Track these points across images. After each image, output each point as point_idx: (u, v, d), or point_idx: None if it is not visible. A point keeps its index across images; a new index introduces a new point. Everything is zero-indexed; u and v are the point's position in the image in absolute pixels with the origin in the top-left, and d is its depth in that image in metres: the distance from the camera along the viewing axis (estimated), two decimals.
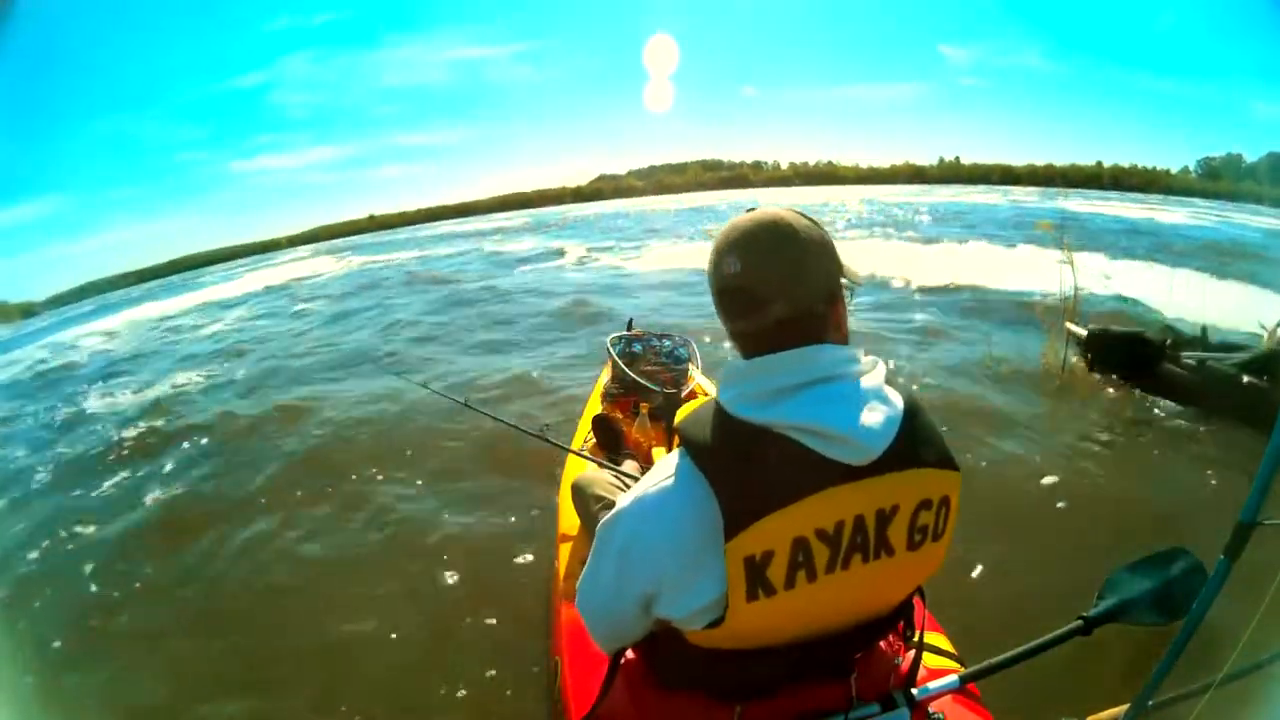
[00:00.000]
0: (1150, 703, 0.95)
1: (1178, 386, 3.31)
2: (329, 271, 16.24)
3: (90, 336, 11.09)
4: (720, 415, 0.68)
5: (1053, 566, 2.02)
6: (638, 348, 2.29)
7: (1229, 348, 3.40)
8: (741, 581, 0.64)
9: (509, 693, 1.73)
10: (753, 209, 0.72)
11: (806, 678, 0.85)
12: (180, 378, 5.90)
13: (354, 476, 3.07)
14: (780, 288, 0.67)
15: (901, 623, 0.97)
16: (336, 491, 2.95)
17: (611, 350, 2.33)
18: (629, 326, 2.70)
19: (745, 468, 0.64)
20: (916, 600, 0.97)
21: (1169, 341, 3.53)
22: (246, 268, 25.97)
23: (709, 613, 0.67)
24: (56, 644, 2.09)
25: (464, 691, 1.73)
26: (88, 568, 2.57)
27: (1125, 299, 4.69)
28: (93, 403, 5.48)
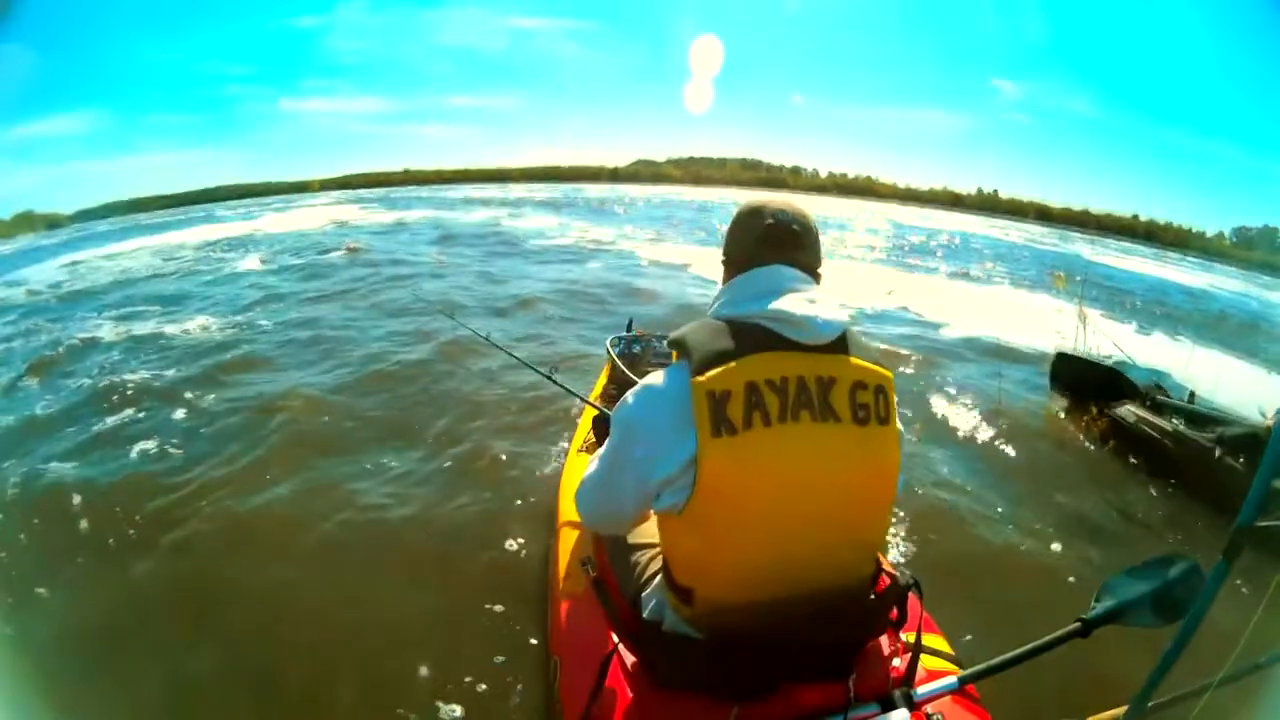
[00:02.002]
0: (1149, 704, 0.95)
1: (1154, 447, 3.26)
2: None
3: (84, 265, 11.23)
4: (703, 320, 0.90)
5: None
6: (638, 348, 2.29)
7: (1213, 420, 3.31)
8: (706, 415, 0.79)
9: (508, 691, 1.73)
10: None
11: (804, 678, 0.86)
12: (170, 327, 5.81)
13: (340, 463, 3.07)
14: (815, 237, 0.94)
15: (900, 623, 0.97)
16: (322, 482, 2.94)
17: (611, 350, 2.34)
18: (629, 327, 2.70)
19: (715, 341, 0.83)
20: (914, 600, 0.97)
21: (1150, 401, 3.50)
22: (268, 207, 26.58)
23: (688, 472, 0.80)
24: (55, 640, 2.09)
25: (463, 690, 1.73)
26: (82, 523, 2.57)
27: (1125, 361, 4.60)
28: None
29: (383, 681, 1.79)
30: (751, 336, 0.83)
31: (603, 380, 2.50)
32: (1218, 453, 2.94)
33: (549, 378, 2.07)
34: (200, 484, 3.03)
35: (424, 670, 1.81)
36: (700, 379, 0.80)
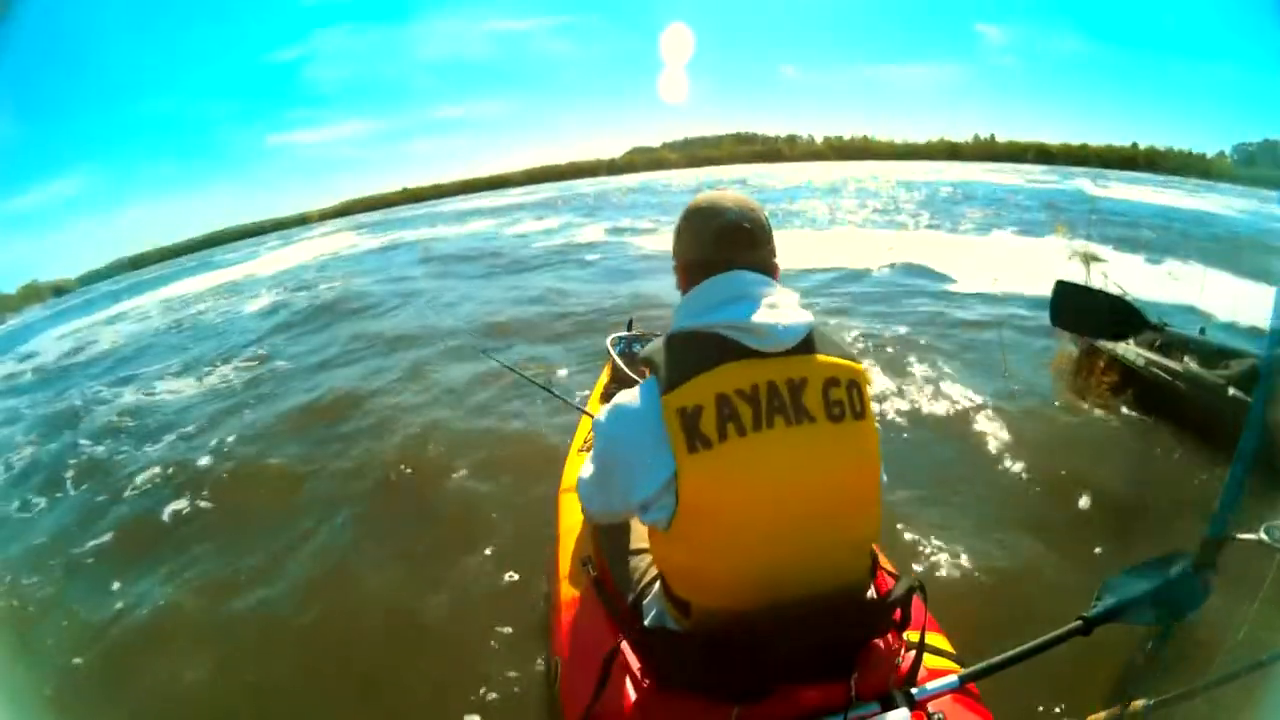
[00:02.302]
0: (1150, 702, 0.95)
1: (1165, 391, 3.14)
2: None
3: (103, 325, 11.26)
4: (669, 334, 0.90)
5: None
6: (638, 347, 2.29)
7: (1226, 353, 3.20)
8: (679, 433, 0.78)
9: (509, 692, 1.73)
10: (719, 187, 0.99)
11: (805, 677, 0.86)
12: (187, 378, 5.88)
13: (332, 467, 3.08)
14: (766, 228, 0.94)
15: (902, 622, 0.97)
16: (317, 489, 2.96)
17: (612, 350, 2.33)
18: (629, 326, 2.70)
19: (681, 356, 0.84)
20: (916, 599, 0.97)
21: (1159, 342, 3.37)
22: (266, 246, 26.46)
23: (669, 490, 0.80)
24: (55, 646, 2.10)
25: (464, 691, 1.73)
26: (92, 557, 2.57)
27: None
28: (74, 401, 5.49)
29: (384, 683, 1.79)
30: (717, 348, 0.82)
31: (604, 379, 2.50)
32: (1230, 391, 2.80)
33: (547, 388, 2.17)
34: (197, 483, 3.04)
35: (425, 672, 1.81)
36: (670, 396, 0.80)
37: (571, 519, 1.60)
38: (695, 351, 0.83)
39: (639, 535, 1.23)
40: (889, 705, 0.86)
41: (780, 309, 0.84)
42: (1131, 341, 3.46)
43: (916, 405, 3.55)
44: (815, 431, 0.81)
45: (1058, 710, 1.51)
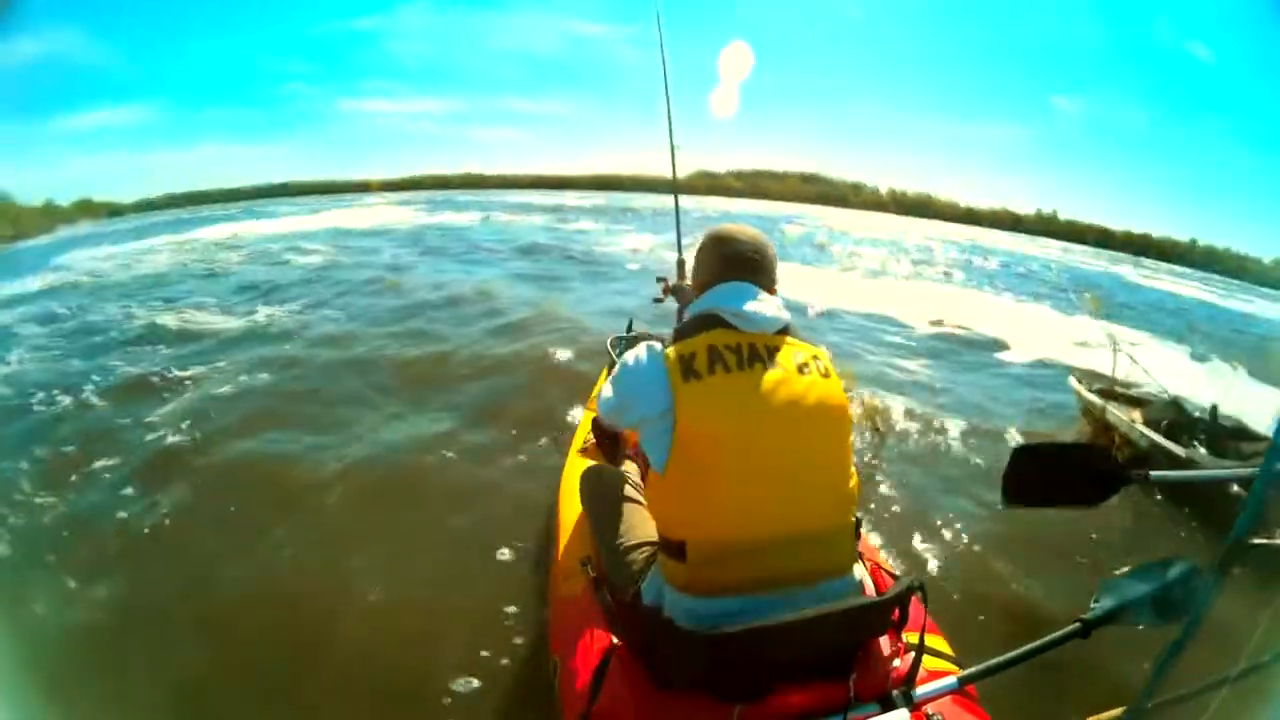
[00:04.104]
0: (1149, 705, 0.95)
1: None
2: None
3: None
4: (680, 321, 1.18)
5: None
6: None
7: (1237, 435, 3.10)
8: (677, 370, 0.98)
9: (508, 691, 1.73)
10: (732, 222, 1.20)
11: (805, 678, 0.86)
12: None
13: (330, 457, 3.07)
14: (771, 262, 1.13)
15: (901, 623, 0.97)
16: (317, 482, 2.95)
17: (612, 351, 2.34)
18: (629, 327, 2.70)
19: (684, 327, 1.09)
20: (915, 601, 0.97)
21: (1166, 422, 3.27)
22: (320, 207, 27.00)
23: (666, 418, 0.97)
24: (56, 640, 2.09)
25: (463, 691, 1.73)
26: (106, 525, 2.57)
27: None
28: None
29: (383, 683, 1.79)
30: (711, 321, 1.04)
31: (604, 379, 2.50)
32: (1234, 489, 2.50)
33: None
34: (200, 464, 3.02)
35: (424, 671, 1.81)
36: (671, 349, 1.01)
37: (571, 518, 1.60)
38: (696, 323, 1.06)
39: (635, 532, 1.23)
40: (888, 706, 0.86)
41: (765, 304, 1.05)
42: (1139, 419, 3.40)
43: (933, 424, 3.59)
44: (787, 377, 0.99)
45: (1057, 711, 1.51)
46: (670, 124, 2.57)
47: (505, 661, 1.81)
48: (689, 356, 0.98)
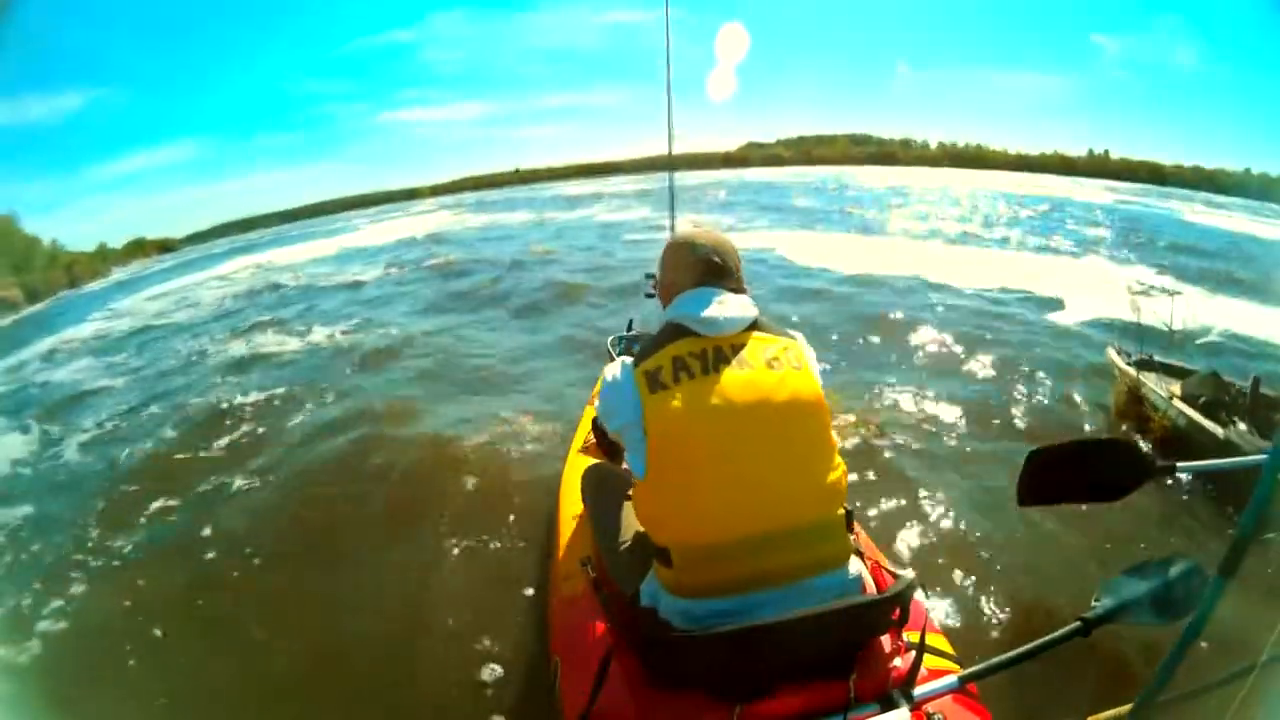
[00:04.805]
0: (1150, 704, 0.95)
1: (1205, 452, 2.75)
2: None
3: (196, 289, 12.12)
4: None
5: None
6: (636, 347, 2.28)
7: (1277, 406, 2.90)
8: (644, 384, 0.99)
9: (508, 691, 1.73)
10: (697, 226, 1.23)
11: (805, 677, 0.86)
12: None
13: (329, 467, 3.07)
14: (733, 261, 1.14)
15: (901, 622, 0.97)
16: (315, 489, 2.96)
17: (612, 351, 2.34)
18: (629, 327, 2.70)
19: (651, 341, 1.07)
20: (916, 601, 0.97)
21: (1204, 398, 3.05)
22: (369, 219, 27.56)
23: (638, 426, 0.99)
24: (55, 645, 2.09)
25: (464, 690, 1.73)
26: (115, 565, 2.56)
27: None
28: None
29: (384, 682, 1.79)
30: (676, 331, 1.05)
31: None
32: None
33: None
34: (209, 481, 3.03)
35: (425, 671, 1.81)
36: (639, 366, 1.02)
37: (571, 519, 1.59)
38: (661, 335, 1.07)
39: (636, 529, 1.23)
40: (888, 705, 0.86)
41: (726, 306, 1.05)
42: (1178, 394, 3.18)
43: (944, 419, 3.58)
44: (755, 374, 0.99)
45: (1057, 711, 1.51)
46: (670, 116, 2.56)
47: (505, 661, 1.81)
48: (655, 370, 1.00)
